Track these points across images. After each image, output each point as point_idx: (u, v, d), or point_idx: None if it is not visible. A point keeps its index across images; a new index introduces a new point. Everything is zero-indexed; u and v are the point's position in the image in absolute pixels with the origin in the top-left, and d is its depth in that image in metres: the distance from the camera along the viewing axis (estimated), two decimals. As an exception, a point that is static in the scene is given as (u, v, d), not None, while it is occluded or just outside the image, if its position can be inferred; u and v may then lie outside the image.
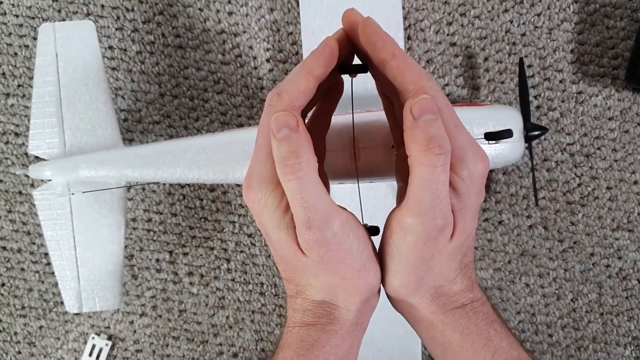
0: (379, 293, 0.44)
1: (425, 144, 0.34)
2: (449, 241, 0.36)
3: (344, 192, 0.56)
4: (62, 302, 0.65)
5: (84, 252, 0.56)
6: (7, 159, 0.65)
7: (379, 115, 0.54)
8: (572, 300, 0.63)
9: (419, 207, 0.35)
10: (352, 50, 0.43)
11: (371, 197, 0.61)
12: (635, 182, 0.62)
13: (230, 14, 0.63)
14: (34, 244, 0.66)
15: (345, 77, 0.45)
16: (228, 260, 0.65)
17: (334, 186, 0.58)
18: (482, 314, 0.41)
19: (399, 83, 0.37)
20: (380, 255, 0.40)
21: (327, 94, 0.46)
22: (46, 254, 0.65)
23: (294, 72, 0.41)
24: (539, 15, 0.62)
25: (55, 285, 0.65)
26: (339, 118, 0.52)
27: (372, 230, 0.46)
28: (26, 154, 0.65)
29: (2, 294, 0.66)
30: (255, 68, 0.63)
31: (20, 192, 0.65)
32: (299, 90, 0.40)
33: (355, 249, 0.40)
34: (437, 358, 0.43)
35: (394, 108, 0.44)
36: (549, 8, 0.62)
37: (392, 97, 0.43)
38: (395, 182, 0.61)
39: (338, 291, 0.41)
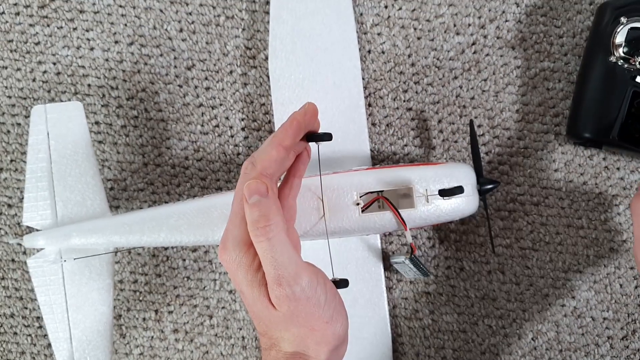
0: (347, 341, 0.49)
1: None
2: None
3: (317, 246, 0.60)
4: (53, 364, 0.68)
5: (75, 314, 0.59)
6: (0, 229, 0.70)
7: (345, 176, 0.60)
8: (532, 339, 0.68)
9: None
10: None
11: (342, 252, 0.66)
12: (581, 227, 0.68)
13: (207, 89, 0.69)
14: (26, 308, 0.69)
15: (312, 143, 0.51)
16: (211, 317, 0.69)
17: (307, 242, 0.63)
18: None
19: None
20: None
21: (297, 159, 0.51)
22: (38, 318, 0.69)
23: (266, 143, 0.46)
24: (485, 80, 0.69)
25: (47, 347, 0.69)
26: (308, 180, 0.57)
27: (341, 283, 0.50)
28: (18, 223, 0.69)
29: (-4, 358, 0.69)
30: (232, 136, 0.69)
31: (12, 260, 0.69)
32: (270, 160, 0.45)
33: (322, 302, 0.45)
34: None
35: None
36: (494, 73, 0.69)
37: None
38: (365, 235, 0.66)
39: (308, 342, 0.45)
